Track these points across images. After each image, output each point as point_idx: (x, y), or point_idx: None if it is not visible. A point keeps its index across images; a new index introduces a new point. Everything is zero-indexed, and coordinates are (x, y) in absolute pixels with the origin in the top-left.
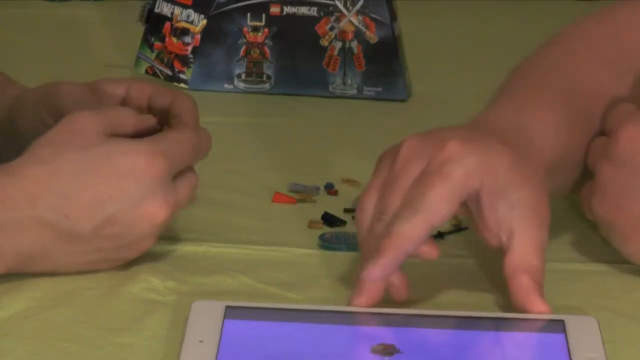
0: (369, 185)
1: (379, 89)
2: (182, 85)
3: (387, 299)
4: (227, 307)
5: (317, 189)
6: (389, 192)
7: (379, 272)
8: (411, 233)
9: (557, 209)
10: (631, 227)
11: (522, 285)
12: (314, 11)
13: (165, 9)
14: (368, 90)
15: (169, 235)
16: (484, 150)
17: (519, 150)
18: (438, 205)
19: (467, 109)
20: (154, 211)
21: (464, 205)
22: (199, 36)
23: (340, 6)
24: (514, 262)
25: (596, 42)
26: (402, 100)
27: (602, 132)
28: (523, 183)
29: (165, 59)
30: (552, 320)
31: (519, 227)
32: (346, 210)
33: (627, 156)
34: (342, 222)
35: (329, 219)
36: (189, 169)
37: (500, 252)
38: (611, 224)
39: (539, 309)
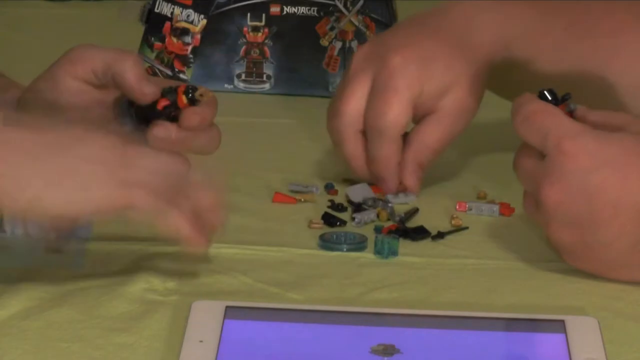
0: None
1: None
2: None
3: (387, 299)
4: (227, 307)
5: (317, 189)
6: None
7: (392, 189)
8: (387, 154)
9: None
10: (610, 268)
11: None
12: (314, 11)
13: (165, 9)
14: None
15: (170, 236)
16: (422, 57)
17: (455, 48)
18: (398, 119)
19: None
20: None
21: None
22: (199, 36)
23: (341, 6)
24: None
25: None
26: None
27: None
28: (454, 82)
29: (165, 59)
30: (552, 320)
31: (437, 115)
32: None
33: (565, 218)
34: (342, 222)
35: (329, 219)
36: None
37: (499, 253)
38: (593, 272)
39: (408, 182)
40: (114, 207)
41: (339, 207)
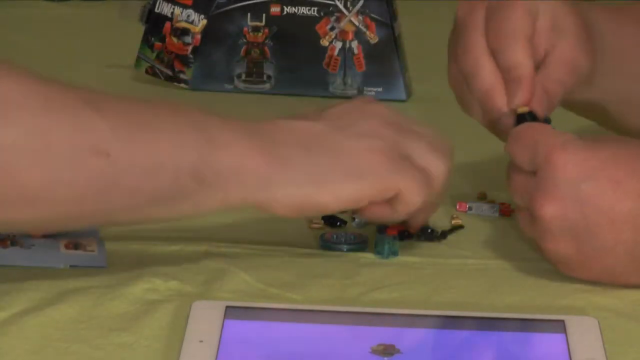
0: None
1: (379, 89)
2: (182, 85)
3: (387, 299)
4: (227, 307)
5: None
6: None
7: (526, 98)
8: (520, 55)
9: None
10: (606, 275)
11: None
12: (314, 11)
13: (166, 9)
14: (368, 91)
15: (170, 235)
16: None
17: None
18: (523, 19)
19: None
20: None
21: None
22: (199, 36)
23: (341, 6)
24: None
25: None
26: (402, 101)
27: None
28: (572, 15)
29: (166, 59)
30: (552, 320)
31: (561, 44)
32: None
33: (560, 230)
34: (343, 222)
35: (329, 219)
36: None
37: (499, 253)
38: (589, 280)
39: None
40: (382, 195)
41: None
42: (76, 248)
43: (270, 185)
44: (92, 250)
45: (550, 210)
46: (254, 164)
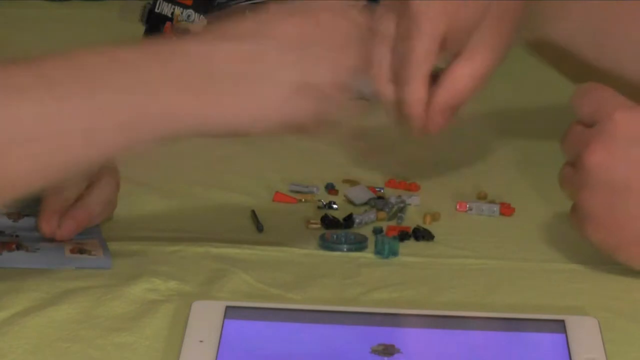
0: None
1: None
2: None
3: (387, 299)
4: (227, 307)
5: (317, 189)
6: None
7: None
8: (417, 94)
9: (558, 208)
10: (634, 243)
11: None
12: None
13: (166, 9)
14: None
15: (170, 235)
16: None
17: None
18: (425, 58)
19: (467, 109)
20: None
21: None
22: None
23: None
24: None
25: None
26: None
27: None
28: (480, 20)
29: None
30: (552, 320)
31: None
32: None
33: (601, 181)
34: (345, 224)
35: (329, 222)
36: None
37: (499, 253)
38: (613, 247)
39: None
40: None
41: (330, 204)
42: (81, 253)
43: (206, 119)
44: (97, 255)
45: (598, 159)
46: (187, 106)
